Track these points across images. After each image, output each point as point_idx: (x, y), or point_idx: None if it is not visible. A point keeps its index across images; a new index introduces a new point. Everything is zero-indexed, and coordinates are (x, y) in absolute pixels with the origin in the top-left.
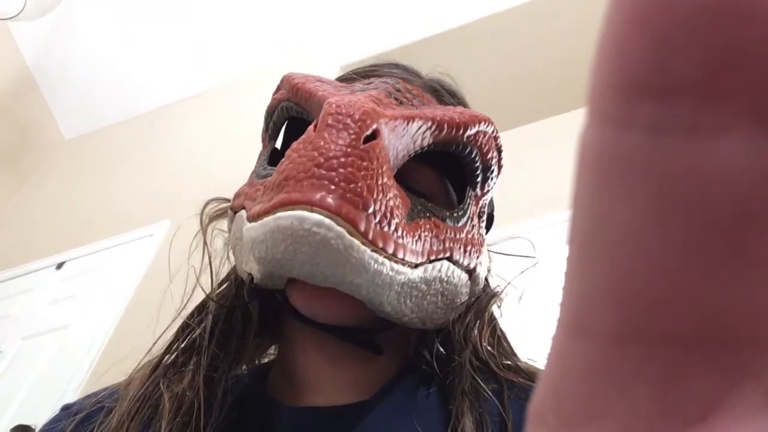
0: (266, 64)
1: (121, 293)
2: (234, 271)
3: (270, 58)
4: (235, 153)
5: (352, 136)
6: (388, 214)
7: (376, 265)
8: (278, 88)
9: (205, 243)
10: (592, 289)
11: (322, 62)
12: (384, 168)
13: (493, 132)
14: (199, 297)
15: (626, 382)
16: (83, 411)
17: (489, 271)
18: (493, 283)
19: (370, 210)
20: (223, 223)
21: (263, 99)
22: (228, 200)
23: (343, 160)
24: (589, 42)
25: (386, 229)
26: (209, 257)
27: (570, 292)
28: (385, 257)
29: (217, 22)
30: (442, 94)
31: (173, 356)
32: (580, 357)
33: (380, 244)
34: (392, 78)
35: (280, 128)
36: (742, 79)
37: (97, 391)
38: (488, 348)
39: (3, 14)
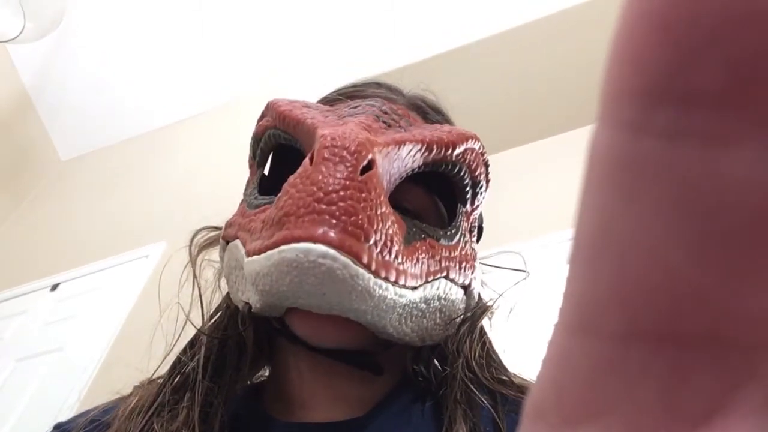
0: (264, 87)
1: (116, 315)
2: (225, 301)
3: (268, 81)
4: (232, 174)
5: (350, 169)
6: (389, 243)
7: (380, 291)
8: (263, 115)
9: (195, 276)
10: (599, 289)
11: (315, 85)
12: (381, 197)
13: (479, 148)
14: (191, 327)
15: (631, 381)
16: (76, 429)
17: (482, 284)
18: (485, 296)
19: (372, 241)
20: (213, 253)
21: None
22: (218, 228)
23: (342, 193)
24: (584, 64)
25: (387, 257)
26: (199, 290)
27: (574, 292)
28: (389, 283)
29: (213, 44)
30: (426, 110)
31: (167, 394)
32: (584, 355)
33: (383, 274)
34: (377, 99)
35: (268, 155)
36: (762, 88)
37: (90, 410)
38: (479, 361)
39: (1, 36)
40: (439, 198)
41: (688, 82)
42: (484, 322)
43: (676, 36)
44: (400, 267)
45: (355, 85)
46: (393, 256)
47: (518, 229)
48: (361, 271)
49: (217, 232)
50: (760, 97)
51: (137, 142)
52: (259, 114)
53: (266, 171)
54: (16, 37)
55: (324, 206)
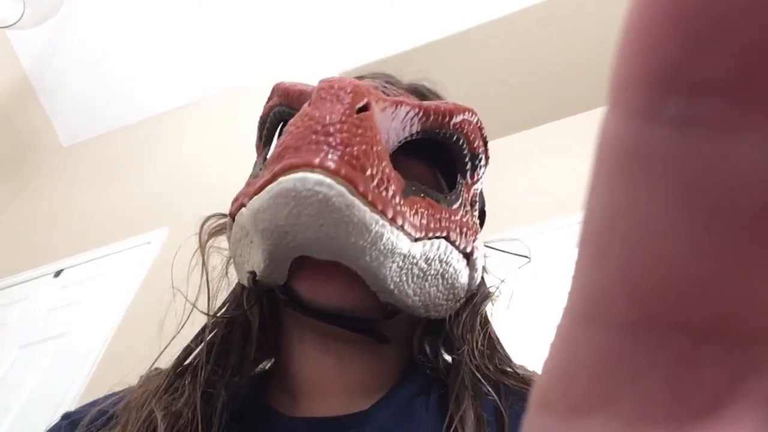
0: (265, 71)
1: (119, 301)
2: (233, 292)
3: (269, 66)
4: (234, 160)
5: (346, 106)
6: (385, 180)
7: (377, 227)
8: (269, 98)
9: (203, 263)
10: (607, 278)
11: (319, 70)
12: (377, 137)
13: (477, 122)
14: (198, 316)
15: (638, 370)
16: (85, 419)
17: (485, 269)
18: (488, 282)
19: (368, 173)
20: (221, 241)
21: (262, 107)
22: (226, 215)
23: (339, 126)
24: (582, 50)
25: (384, 194)
26: (207, 276)
27: (582, 281)
28: (386, 221)
29: (215, 30)
30: (425, 94)
31: (172, 377)
32: (591, 344)
33: (379, 207)
34: (377, 80)
35: (274, 133)
36: None
37: (98, 399)
38: (482, 351)
39: (1, 22)
40: (439, 171)
41: (697, 71)
42: (487, 311)
43: (685, 25)
44: (398, 208)
45: (357, 75)
46: (390, 194)
47: (516, 215)
48: (357, 202)
49: (226, 219)
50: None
51: (139, 128)
52: (260, 99)
53: (272, 148)
54: (15, 23)
55: (322, 137)
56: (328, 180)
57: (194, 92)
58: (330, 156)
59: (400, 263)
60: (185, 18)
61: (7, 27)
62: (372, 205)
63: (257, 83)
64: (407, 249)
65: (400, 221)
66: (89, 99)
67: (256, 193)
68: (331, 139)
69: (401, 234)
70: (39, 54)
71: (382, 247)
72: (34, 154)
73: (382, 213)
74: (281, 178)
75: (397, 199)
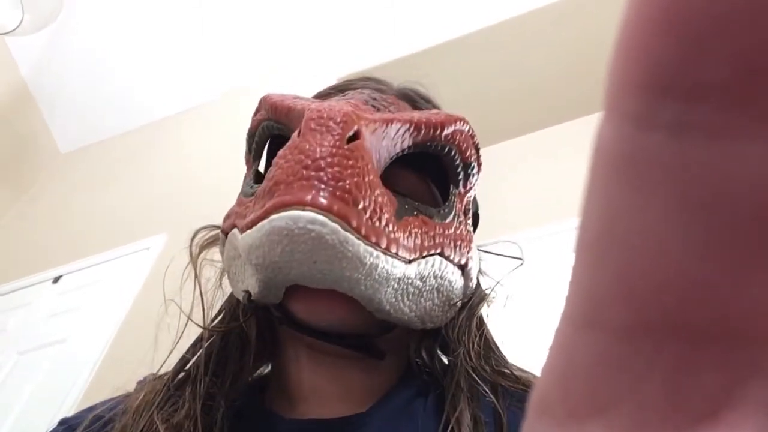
0: (264, 76)
1: (118, 307)
2: (228, 301)
3: (268, 71)
4: (233, 166)
5: (336, 138)
6: (378, 210)
7: (371, 259)
8: (257, 110)
9: (196, 276)
10: (605, 283)
11: (319, 72)
12: (369, 166)
13: (469, 131)
14: (194, 325)
15: (637, 375)
16: (81, 424)
17: (480, 271)
18: (483, 285)
19: (360, 206)
20: (214, 253)
21: None
22: (218, 227)
23: (329, 160)
24: (584, 53)
25: (377, 224)
26: (200, 289)
27: (579, 286)
28: (380, 251)
29: (214, 35)
30: (416, 100)
31: (170, 390)
32: (589, 349)
33: (373, 239)
34: (367, 89)
35: (263, 148)
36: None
37: (96, 405)
38: (478, 351)
39: (0, 28)
40: (432, 181)
41: (693, 76)
42: (483, 313)
43: (683, 25)
44: (392, 236)
45: (346, 81)
46: (383, 224)
47: (513, 220)
48: (351, 237)
49: (218, 231)
50: (765, 92)
51: (137, 134)
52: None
53: (262, 162)
54: (14, 29)
55: (312, 172)
56: (321, 218)
57: (193, 97)
58: (322, 193)
59: (395, 286)
60: (184, 23)
61: (5, 33)
62: (365, 238)
63: (256, 88)
64: (402, 272)
65: (394, 248)
66: (88, 105)
67: (248, 227)
68: (322, 174)
69: (395, 260)
70: (37, 60)
71: (377, 276)
72: (32, 160)
73: (376, 244)
74: (273, 216)
75: (391, 227)
